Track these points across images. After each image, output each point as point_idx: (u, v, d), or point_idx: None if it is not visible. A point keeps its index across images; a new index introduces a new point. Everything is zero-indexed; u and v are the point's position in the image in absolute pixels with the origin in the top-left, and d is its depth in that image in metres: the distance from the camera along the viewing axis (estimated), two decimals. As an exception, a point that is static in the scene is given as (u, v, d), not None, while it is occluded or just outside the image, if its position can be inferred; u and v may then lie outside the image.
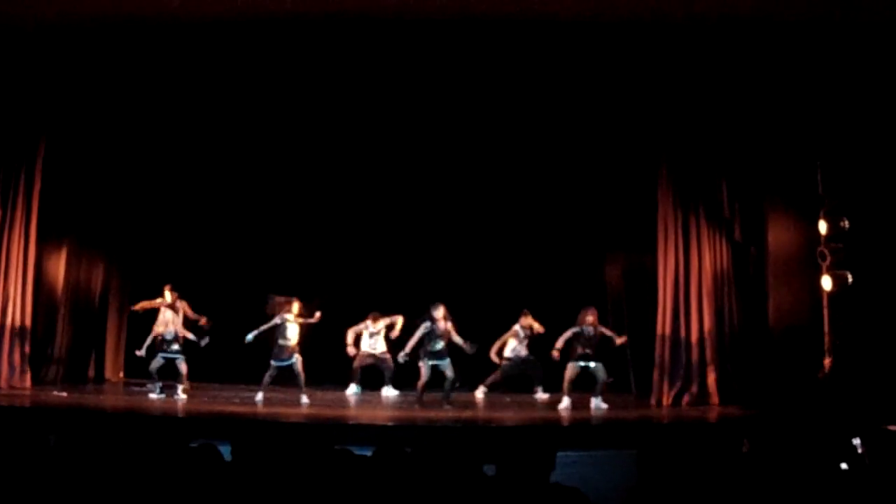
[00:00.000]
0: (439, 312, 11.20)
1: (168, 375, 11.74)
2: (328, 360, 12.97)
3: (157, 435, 5.85)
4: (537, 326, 12.09)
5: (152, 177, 13.86)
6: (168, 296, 12.61)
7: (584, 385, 11.24)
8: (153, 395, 11.54)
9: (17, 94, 11.55)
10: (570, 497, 3.70)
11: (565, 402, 10.90)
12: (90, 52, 11.15)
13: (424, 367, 11.18)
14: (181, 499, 3.96)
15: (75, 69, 11.32)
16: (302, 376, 11.43)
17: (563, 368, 11.06)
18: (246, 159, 13.74)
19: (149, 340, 12.05)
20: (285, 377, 11.58)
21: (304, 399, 11.32)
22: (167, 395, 11.54)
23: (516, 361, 12.26)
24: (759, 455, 5.93)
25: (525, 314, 12.19)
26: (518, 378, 12.44)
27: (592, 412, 10.79)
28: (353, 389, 12.68)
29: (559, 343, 11.03)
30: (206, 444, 4.62)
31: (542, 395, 12.09)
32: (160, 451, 4.50)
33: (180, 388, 11.57)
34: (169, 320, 12.32)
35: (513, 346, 12.27)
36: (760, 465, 5.24)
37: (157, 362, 11.66)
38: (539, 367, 12.15)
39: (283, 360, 11.42)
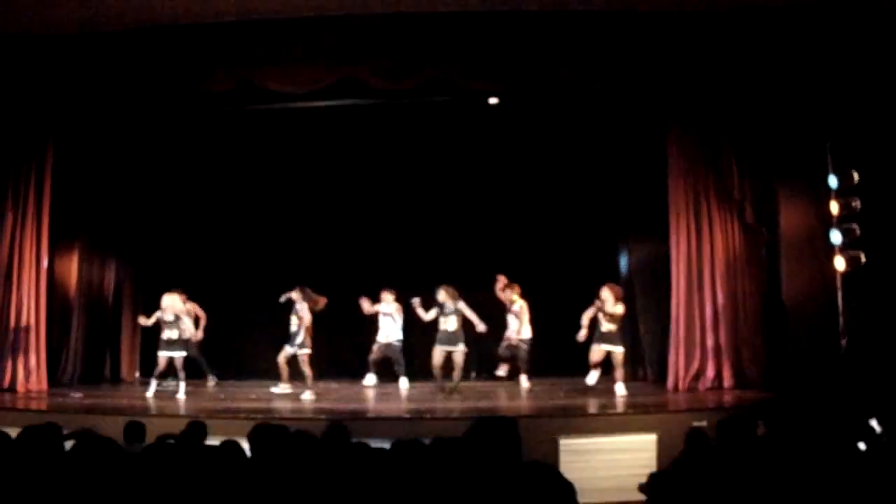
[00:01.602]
0: (441, 295, 11.39)
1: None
2: (337, 354, 13.05)
3: (176, 433, 5.87)
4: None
5: (162, 176, 13.97)
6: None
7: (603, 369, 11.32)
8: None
9: (24, 97, 11.57)
10: (543, 474, 3.67)
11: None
12: (95, 54, 11.18)
13: (437, 352, 11.31)
14: (207, 495, 3.97)
15: (81, 71, 11.32)
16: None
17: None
18: (253, 157, 13.82)
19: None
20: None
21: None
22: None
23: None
24: (777, 437, 5.92)
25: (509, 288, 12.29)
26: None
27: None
28: (370, 380, 12.57)
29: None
30: (229, 441, 4.64)
31: (525, 383, 12.20)
32: (180, 449, 4.52)
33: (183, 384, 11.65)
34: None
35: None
36: (778, 448, 5.23)
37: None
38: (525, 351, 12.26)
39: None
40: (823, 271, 10.69)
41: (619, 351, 11.10)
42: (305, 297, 11.56)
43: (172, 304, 11.76)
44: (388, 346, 12.48)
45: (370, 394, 12.08)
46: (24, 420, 7.88)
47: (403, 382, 12.34)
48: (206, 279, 13.73)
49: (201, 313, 12.81)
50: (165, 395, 11.40)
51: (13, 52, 11.22)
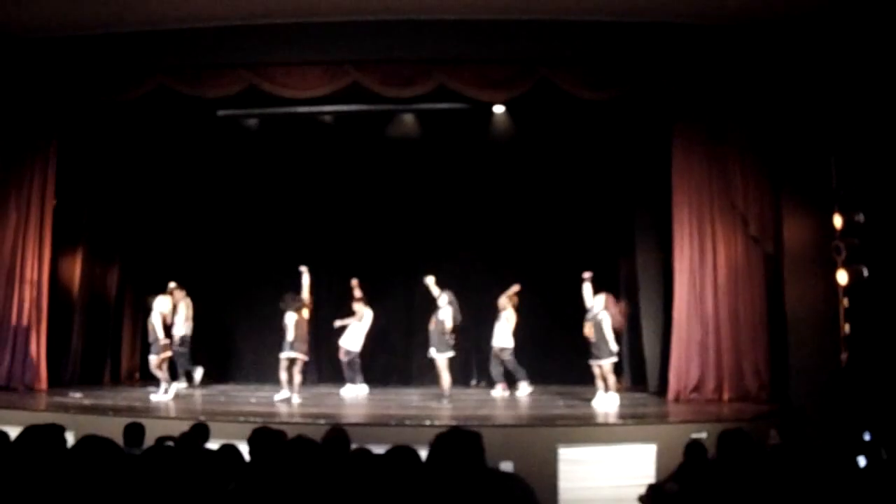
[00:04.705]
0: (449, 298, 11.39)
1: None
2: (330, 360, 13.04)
3: (177, 435, 5.86)
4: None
5: (165, 179, 13.98)
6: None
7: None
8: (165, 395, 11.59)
9: (29, 98, 11.61)
10: (508, 483, 3.67)
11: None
12: (100, 55, 11.18)
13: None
14: (206, 499, 3.97)
15: (86, 72, 11.32)
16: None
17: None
18: (258, 163, 13.85)
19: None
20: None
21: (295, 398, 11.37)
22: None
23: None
24: (783, 450, 5.91)
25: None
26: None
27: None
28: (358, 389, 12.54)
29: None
30: (228, 444, 4.63)
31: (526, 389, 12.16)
32: (179, 452, 4.51)
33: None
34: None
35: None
36: (779, 461, 5.22)
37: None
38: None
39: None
40: (826, 284, 10.68)
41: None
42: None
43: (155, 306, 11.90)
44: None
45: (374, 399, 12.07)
46: (24, 419, 7.87)
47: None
48: (208, 282, 13.73)
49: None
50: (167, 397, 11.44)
51: (17, 54, 11.23)
